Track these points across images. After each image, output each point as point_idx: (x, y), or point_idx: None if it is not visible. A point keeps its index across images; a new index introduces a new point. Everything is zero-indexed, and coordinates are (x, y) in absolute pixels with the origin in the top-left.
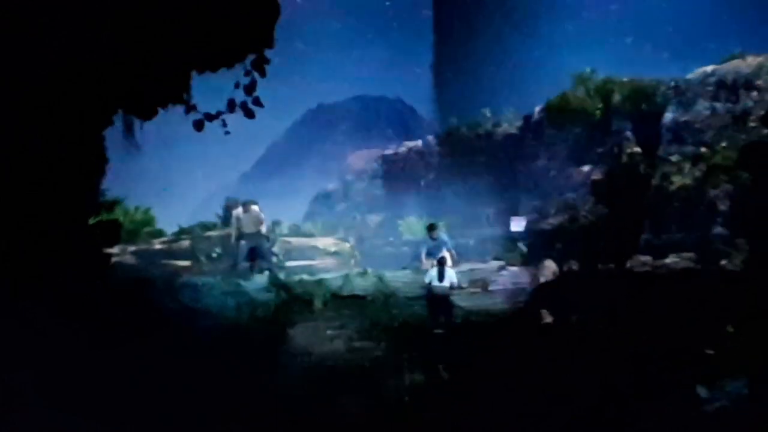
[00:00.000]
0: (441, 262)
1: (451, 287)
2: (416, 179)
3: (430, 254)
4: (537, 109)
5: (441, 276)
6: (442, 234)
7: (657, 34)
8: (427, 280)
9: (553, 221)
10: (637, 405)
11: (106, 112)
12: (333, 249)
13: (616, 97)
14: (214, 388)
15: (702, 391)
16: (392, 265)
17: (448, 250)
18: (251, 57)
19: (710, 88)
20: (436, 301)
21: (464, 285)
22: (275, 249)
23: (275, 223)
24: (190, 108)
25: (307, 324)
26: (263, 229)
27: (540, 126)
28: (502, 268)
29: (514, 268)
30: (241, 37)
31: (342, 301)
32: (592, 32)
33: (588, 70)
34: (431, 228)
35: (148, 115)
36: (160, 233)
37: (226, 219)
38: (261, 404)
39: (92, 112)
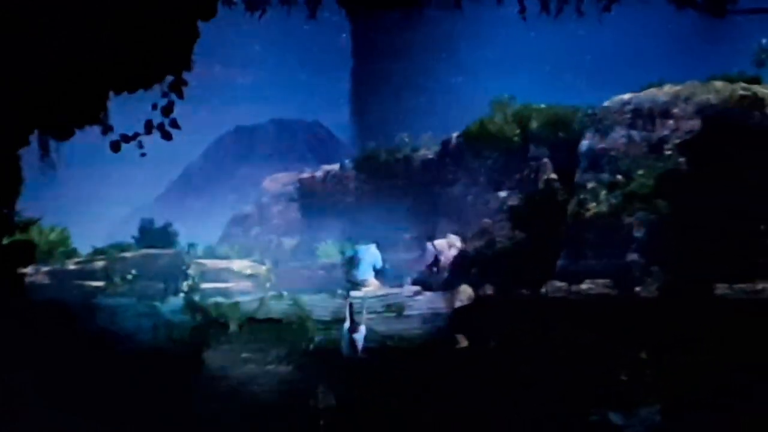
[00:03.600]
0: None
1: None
2: (333, 203)
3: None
4: (455, 134)
5: (351, 344)
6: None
7: (575, 62)
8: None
9: (469, 246)
10: (552, 430)
11: (21, 131)
12: (248, 272)
13: (534, 124)
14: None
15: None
16: (308, 289)
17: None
18: (169, 79)
19: (627, 116)
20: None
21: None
22: (190, 271)
23: (190, 246)
24: (106, 129)
25: (223, 347)
26: None
27: (458, 151)
28: (417, 292)
29: (430, 293)
30: (159, 59)
31: (258, 325)
32: (511, 59)
33: (506, 96)
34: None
35: (64, 135)
36: (74, 253)
37: (141, 240)
38: (176, 426)
39: (8, 132)
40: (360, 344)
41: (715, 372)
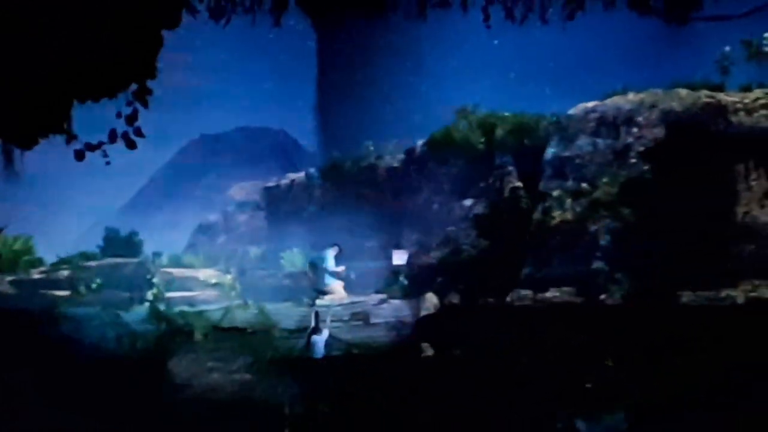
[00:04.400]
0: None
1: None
2: (299, 211)
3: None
4: (419, 142)
5: (308, 347)
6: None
7: (540, 69)
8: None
9: (434, 254)
10: None
11: None
12: (214, 281)
13: (499, 132)
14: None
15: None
16: (274, 298)
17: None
18: (133, 87)
19: (592, 124)
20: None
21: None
22: (155, 280)
23: (155, 254)
24: (71, 137)
25: (188, 356)
26: None
27: (423, 159)
28: (383, 301)
29: (396, 301)
30: (123, 67)
31: (223, 334)
32: (476, 67)
33: (471, 104)
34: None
35: (28, 144)
36: (39, 263)
37: (106, 249)
38: None
39: None
40: (320, 347)
41: (680, 379)
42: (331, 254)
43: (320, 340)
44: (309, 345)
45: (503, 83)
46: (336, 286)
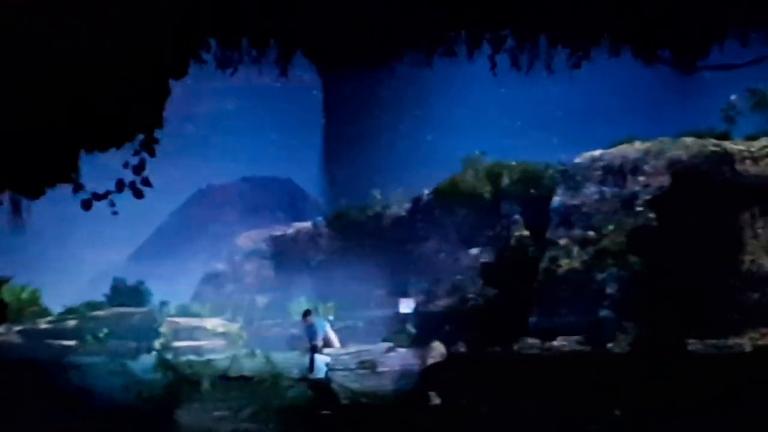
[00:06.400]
0: (313, 349)
1: (328, 370)
2: (305, 260)
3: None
4: (426, 191)
5: (311, 366)
6: (316, 319)
7: (546, 118)
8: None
9: (441, 303)
10: None
11: None
12: (221, 330)
13: (506, 181)
14: None
15: None
16: (281, 347)
17: (325, 336)
18: (141, 137)
19: (598, 173)
20: (315, 389)
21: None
22: (162, 329)
23: (163, 304)
24: (78, 187)
25: (195, 405)
26: None
27: (429, 208)
28: (390, 349)
29: (403, 350)
30: (130, 117)
31: (230, 383)
32: (482, 115)
33: (477, 153)
34: (306, 314)
35: (35, 193)
36: (46, 312)
37: (113, 299)
38: None
39: None
40: (321, 366)
41: (689, 427)
42: (318, 316)
43: (319, 360)
44: (312, 364)
45: (510, 132)
46: (328, 336)
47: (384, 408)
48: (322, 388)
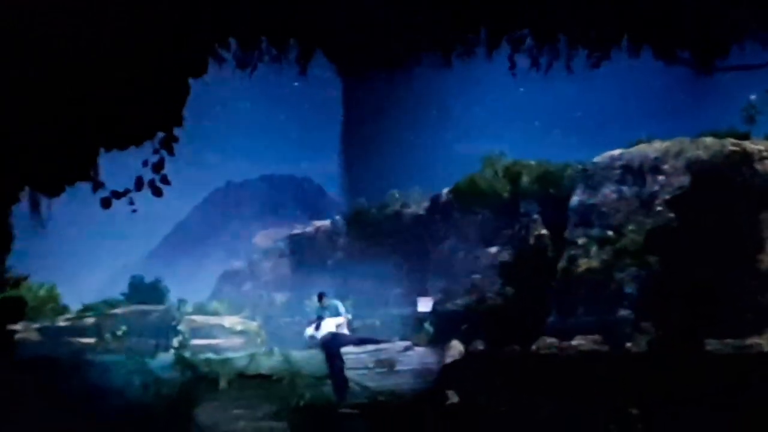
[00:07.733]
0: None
1: (336, 331)
2: (324, 259)
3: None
4: (445, 190)
5: (318, 326)
6: (331, 302)
7: (565, 118)
8: (307, 335)
9: (460, 302)
10: None
11: (12, 188)
12: (239, 328)
13: (524, 180)
14: None
15: None
16: (299, 345)
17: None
18: (160, 135)
19: (617, 172)
20: (324, 350)
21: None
22: (180, 327)
23: (181, 302)
24: (97, 185)
25: (213, 403)
26: None
27: (448, 207)
28: (408, 348)
29: (421, 348)
30: (150, 116)
31: (248, 381)
32: (501, 115)
33: (496, 152)
34: (320, 296)
35: (55, 192)
36: (64, 310)
37: (131, 296)
38: None
39: None
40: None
41: (706, 427)
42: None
43: (318, 334)
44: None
45: (529, 131)
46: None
47: (401, 406)
48: (330, 347)
